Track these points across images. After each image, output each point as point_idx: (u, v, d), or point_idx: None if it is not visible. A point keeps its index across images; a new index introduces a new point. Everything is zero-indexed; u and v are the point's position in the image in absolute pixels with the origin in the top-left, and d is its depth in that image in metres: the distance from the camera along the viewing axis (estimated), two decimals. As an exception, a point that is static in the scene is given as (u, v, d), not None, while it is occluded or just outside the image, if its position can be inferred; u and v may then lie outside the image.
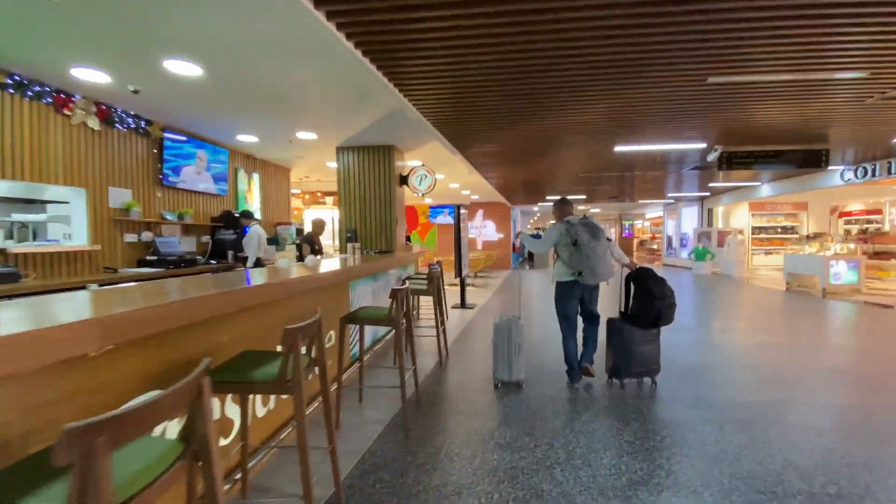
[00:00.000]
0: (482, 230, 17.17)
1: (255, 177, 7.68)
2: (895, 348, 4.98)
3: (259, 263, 5.96)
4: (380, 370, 4.21)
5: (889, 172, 7.39)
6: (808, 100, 4.46)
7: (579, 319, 3.80)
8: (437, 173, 9.29)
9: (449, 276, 8.89)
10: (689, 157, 7.67)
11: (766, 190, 11.32)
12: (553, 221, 3.86)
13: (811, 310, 7.62)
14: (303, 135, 6.04)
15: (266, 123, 5.67)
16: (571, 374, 3.75)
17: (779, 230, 15.38)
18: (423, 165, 6.86)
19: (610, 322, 3.73)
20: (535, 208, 20.91)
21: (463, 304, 7.87)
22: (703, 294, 9.96)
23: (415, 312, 6.48)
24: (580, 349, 3.77)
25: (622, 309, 3.76)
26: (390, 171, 6.59)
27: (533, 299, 8.94)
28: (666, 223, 20.70)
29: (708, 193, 14.16)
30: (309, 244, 5.69)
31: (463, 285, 7.90)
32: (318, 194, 10.50)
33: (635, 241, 27.68)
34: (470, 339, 5.63)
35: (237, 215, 6.29)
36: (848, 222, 17.34)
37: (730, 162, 6.34)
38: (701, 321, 6.74)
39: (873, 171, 7.73)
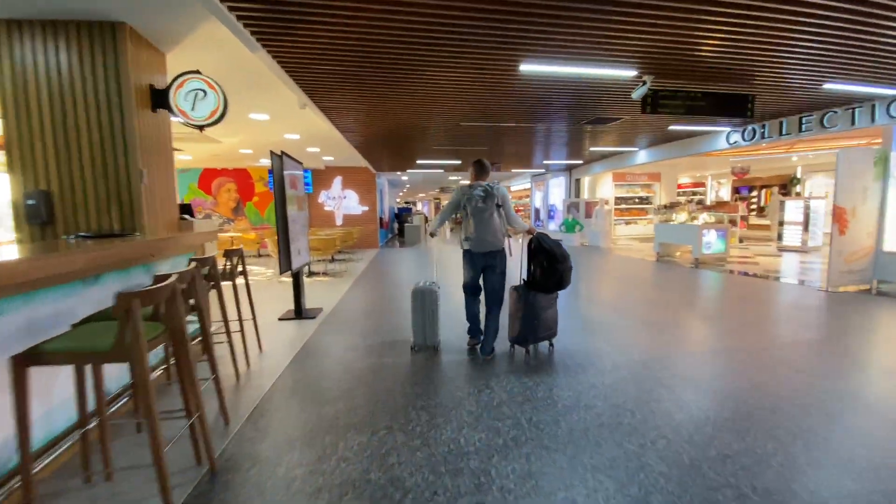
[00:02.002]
0: (341, 201, 14.16)
1: None
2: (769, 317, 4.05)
3: None
4: None
5: (780, 133, 6.93)
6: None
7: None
8: (258, 112, 6.13)
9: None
10: (605, 95, 6.06)
11: (643, 156, 10.85)
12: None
13: (703, 282, 6.93)
14: None
15: None
16: (473, 330, 3.74)
17: (636, 200, 15.93)
18: (198, 74, 3.75)
19: (514, 290, 3.60)
20: (405, 177, 18.50)
21: (299, 313, 5.10)
22: (583, 267, 8.94)
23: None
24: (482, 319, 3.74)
25: (525, 276, 3.61)
26: (119, 77, 3.36)
27: (402, 287, 6.65)
28: (533, 194, 20.50)
29: (580, 162, 13.59)
30: None
31: (297, 283, 5.12)
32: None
33: (503, 214, 27.68)
34: (302, 394, 2.99)
35: None
36: (678, 193, 19.28)
37: (655, 103, 4.81)
38: (603, 299, 5.30)
39: (763, 132, 7.26)
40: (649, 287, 6.93)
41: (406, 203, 34.91)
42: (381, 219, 15.67)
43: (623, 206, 15.70)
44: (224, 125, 6.36)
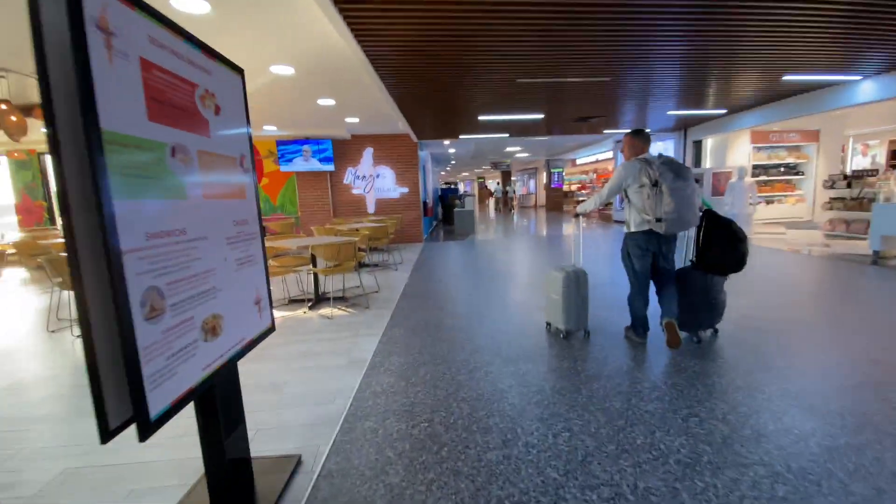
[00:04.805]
0: (373, 181, 10.64)
1: None
2: None
3: None
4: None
5: None
6: None
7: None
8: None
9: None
10: None
11: (867, 92, 6.37)
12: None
13: None
14: None
15: None
16: (636, 327, 3.33)
17: (781, 170, 11.34)
18: None
19: (685, 272, 3.32)
20: (452, 150, 14.66)
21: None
22: (759, 282, 4.90)
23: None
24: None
25: (693, 257, 3.32)
26: None
27: (495, 328, 3.01)
28: (618, 164, 16.15)
29: (721, 112, 9.25)
30: None
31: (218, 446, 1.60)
32: None
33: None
34: None
35: None
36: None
37: None
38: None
39: None
40: None
41: (448, 185, 30.93)
42: (424, 203, 12.07)
43: (763, 177, 11.19)
44: None
